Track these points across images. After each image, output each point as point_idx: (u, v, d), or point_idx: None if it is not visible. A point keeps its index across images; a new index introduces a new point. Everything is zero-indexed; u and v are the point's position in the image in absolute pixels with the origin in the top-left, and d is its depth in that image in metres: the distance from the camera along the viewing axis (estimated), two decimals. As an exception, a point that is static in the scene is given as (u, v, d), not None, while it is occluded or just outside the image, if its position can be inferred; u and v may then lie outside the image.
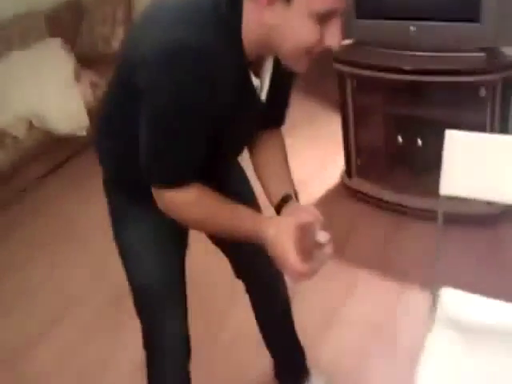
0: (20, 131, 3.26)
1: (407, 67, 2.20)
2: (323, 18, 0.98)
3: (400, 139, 2.44)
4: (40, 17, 3.93)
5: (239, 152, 1.35)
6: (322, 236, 1.13)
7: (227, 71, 1.04)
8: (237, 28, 1.05)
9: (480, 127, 2.09)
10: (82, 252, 2.74)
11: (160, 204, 1.16)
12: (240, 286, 1.62)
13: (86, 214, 3.02)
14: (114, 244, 1.36)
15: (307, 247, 1.13)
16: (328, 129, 3.33)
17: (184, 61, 0.99)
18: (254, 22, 1.03)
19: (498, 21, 2.00)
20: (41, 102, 3.36)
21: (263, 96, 1.19)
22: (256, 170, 1.36)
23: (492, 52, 2.09)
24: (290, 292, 1.64)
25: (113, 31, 3.92)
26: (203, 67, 1.00)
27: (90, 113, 3.45)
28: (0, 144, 3.17)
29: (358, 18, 2.36)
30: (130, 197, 1.33)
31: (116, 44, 3.86)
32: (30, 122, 3.31)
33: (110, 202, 1.38)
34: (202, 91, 1.02)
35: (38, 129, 3.34)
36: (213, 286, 2.29)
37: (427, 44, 2.20)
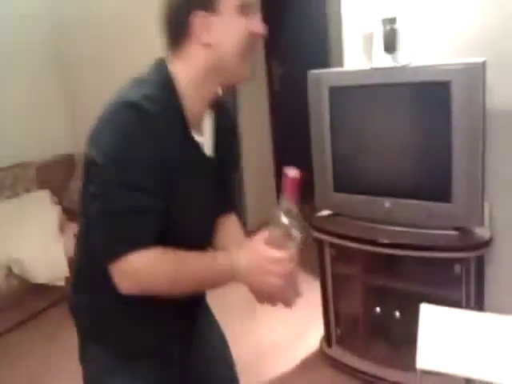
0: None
1: (383, 240, 2.30)
2: (245, 12, 1.18)
3: (378, 310, 2.47)
4: (31, 168, 4.10)
5: (205, 235, 1.36)
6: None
7: (168, 125, 1.13)
8: (173, 86, 1.18)
9: (456, 302, 2.14)
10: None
11: (123, 279, 1.12)
12: None
13: (54, 369, 2.89)
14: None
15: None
16: (307, 295, 3.33)
17: (125, 115, 1.09)
18: (196, 60, 1.18)
19: (468, 202, 2.13)
20: (22, 250, 3.38)
21: (208, 151, 1.26)
22: (216, 247, 1.39)
23: (464, 231, 2.21)
24: None
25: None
26: (144, 121, 1.09)
27: (70, 265, 3.45)
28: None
29: (335, 191, 2.51)
30: (118, 351, 1.28)
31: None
32: (9, 269, 3.29)
33: (88, 366, 1.32)
34: (145, 142, 1.09)
35: (17, 276, 3.31)
36: None
37: (402, 219, 2.32)
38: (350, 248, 2.44)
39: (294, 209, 1.15)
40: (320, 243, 2.59)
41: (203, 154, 1.25)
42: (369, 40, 2.47)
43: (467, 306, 2.16)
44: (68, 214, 3.83)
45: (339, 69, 2.65)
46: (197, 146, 1.23)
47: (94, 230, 1.14)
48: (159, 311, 1.26)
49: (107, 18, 4.08)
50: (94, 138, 1.14)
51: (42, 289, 3.44)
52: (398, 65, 2.25)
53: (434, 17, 2.36)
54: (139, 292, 1.14)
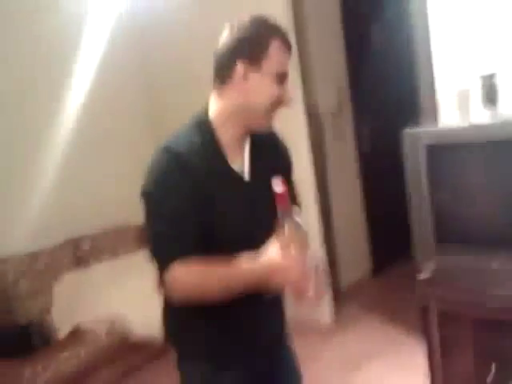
0: (101, 331, 3.46)
1: (492, 305, 2.17)
2: (280, 80, 1.42)
3: (490, 379, 2.31)
4: (130, 230, 4.28)
5: (256, 239, 1.48)
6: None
7: (203, 158, 1.43)
8: (209, 127, 1.46)
9: None
10: None
11: (168, 288, 1.45)
12: None
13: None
14: None
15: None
16: (411, 359, 3.20)
17: (158, 158, 1.49)
18: (229, 99, 1.43)
19: None
20: (123, 308, 3.57)
21: (246, 177, 1.51)
22: None
23: None
24: None
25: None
26: (175, 159, 1.43)
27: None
28: (81, 340, 3.36)
29: (436, 248, 2.41)
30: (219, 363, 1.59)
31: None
32: (111, 324, 3.48)
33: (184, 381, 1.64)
34: (176, 176, 1.43)
35: (118, 332, 3.49)
36: None
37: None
38: (457, 312, 2.32)
39: (292, 216, 1.43)
40: (424, 308, 2.48)
41: (241, 178, 1.51)
42: (464, 96, 2.42)
43: None
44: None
45: (436, 127, 2.60)
46: (233, 172, 1.48)
47: (149, 251, 1.51)
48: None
49: (200, 74, 4.22)
50: (143, 181, 1.51)
51: (139, 346, 3.51)
52: (499, 120, 2.19)
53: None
54: (182, 298, 1.45)
